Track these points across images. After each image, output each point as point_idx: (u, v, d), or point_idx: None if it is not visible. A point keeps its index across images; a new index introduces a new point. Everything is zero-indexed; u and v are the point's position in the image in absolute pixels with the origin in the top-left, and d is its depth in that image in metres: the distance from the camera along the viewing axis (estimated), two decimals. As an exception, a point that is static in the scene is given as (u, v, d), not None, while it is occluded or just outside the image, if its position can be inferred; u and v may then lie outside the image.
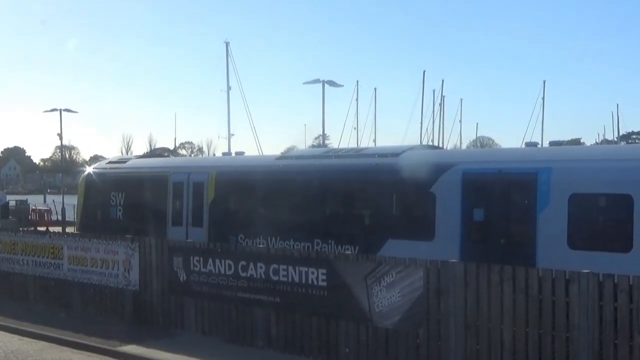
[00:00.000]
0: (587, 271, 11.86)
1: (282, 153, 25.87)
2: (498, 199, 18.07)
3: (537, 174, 17.12)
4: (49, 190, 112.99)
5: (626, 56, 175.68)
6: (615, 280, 11.55)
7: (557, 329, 12.06)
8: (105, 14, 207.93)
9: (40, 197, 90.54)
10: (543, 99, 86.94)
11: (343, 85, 75.97)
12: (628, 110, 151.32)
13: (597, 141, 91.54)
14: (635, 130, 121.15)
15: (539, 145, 25.36)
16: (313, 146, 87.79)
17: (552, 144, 20.78)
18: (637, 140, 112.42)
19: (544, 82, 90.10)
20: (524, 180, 17.36)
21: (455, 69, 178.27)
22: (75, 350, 16.74)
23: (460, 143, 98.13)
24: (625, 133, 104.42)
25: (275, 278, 15.76)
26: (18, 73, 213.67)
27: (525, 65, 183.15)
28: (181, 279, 17.47)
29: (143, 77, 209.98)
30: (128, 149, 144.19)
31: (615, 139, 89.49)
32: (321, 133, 79.16)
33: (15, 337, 18.06)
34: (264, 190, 22.43)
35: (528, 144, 23.07)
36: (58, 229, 37.27)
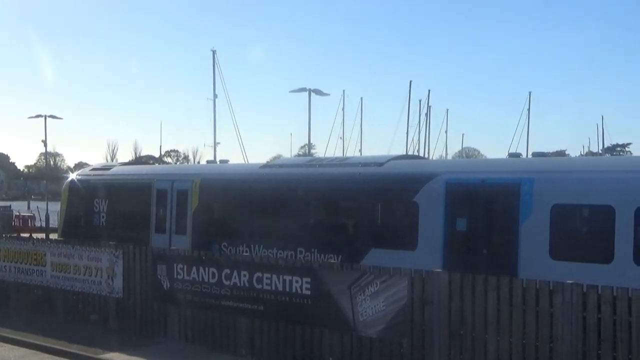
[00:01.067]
0: (571, 282, 11.83)
1: (266, 162, 25.69)
2: (481, 209, 18.04)
3: (519, 185, 17.09)
4: (33, 197, 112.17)
5: (612, 69, 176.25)
6: (599, 292, 11.52)
7: (540, 339, 12.01)
8: (90, 20, 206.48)
9: (24, 204, 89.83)
10: (529, 110, 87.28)
11: (329, 94, 76.15)
12: (613, 123, 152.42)
13: (582, 153, 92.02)
14: (620, 142, 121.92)
15: (523, 156, 25.35)
16: (299, 155, 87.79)
17: (535, 155, 20.77)
18: (621, 153, 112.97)
19: (530, 93, 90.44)
20: (507, 191, 17.31)
21: (441, 79, 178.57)
22: (57, 358, 16.59)
23: (446, 153, 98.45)
24: (610, 145, 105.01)
25: (259, 286, 15.65)
26: (1, 78, 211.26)
27: (511, 76, 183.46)
28: (165, 286, 17.32)
29: (129, 84, 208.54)
30: (113, 156, 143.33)
31: (600, 151, 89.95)
32: (307, 142, 79.03)
33: (-3, 344, 17.88)
34: (248, 198, 22.31)
35: (511, 155, 23.06)
36: (42, 235, 36.97)
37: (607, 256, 15.58)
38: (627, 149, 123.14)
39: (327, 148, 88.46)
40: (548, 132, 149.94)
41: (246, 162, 54.97)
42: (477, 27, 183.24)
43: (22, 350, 17.19)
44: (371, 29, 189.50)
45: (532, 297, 12.12)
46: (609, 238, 15.70)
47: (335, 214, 21.27)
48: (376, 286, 13.88)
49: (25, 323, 19.16)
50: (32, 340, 17.63)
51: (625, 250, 15.39)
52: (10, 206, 65.16)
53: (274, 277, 15.47)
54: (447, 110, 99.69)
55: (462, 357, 12.83)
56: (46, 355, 16.74)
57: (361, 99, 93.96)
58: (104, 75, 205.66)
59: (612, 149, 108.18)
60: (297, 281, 15.11)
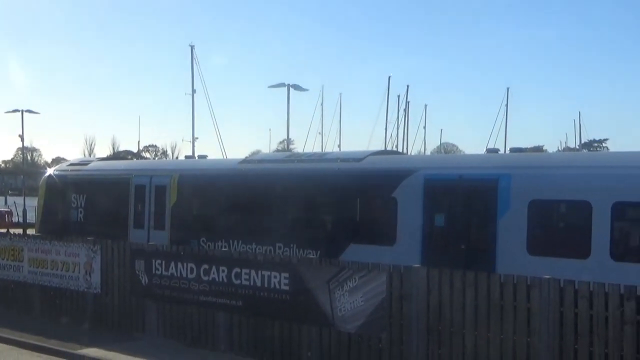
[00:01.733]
0: (548, 277, 11.88)
1: (245, 157, 25.63)
2: (459, 204, 18.06)
3: (497, 180, 17.15)
4: (10, 192, 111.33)
5: (589, 65, 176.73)
6: (576, 287, 11.57)
7: (518, 334, 12.04)
8: (66, 15, 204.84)
9: (1, 199, 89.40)
10: (507, 106, 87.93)
11: (308, 90, 76.35)
12: (590, 119, 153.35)
13: (560, 149, 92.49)
14: (597, 138, 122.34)
15: (500, 152, 25.44)
16: (277, 150, 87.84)
17: (512, 150, 20.80)
18: (598, 148, 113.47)
19: (508, 89, 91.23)
20: (485, 187, 17.37)
21: (420, 75, 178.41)
22: (34, 353, 16.46)
23: (425, 149, 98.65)
24: (587, 141, 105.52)
25: (237, 282, 15.61)
26: None
27: (490, 72, 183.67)
28: (143, 282, 17.24)
29: (106, 78, 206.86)
30: (91, 151, 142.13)
31: (577, 147, 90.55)
32: (286, 137, 79.04)
33: (-26, 340, 17.75)
34: (227, 193, 22.27)
35: (489, 151, 23.16)
36: (19, 230, 36.75)
37: (584, 251, 15.69)
38: (604, 144, 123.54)
39: (306, 143, 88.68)
40: (526, 128, 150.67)
41: (225, 157, 54.90)
42: (455, 22, 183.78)
43: (0, 346, 17.09)
44: (350, 23, 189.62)
45: (510, 293, 12.15)
46: (585, 233, 15.81)
47: (314, 210, 21.20)
48: (355, 281, 13.87)
49: (3, 319, 19.03)
50: (9, 336, 17.50)
51: (602, 246, 15.50)
52: (-13, 201, 64.78)
53: (253, 272, 15.43)
54: (426, 105, 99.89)
55: (441, 351, 12.85)
56: (23, 351, 16.63)
57: (340, 94, 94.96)
58: (81, 69, 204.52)
59: (589, 145, 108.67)
60: (275, 276, 15.08)
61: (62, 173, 28.07)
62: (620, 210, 15.55)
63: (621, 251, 15.48)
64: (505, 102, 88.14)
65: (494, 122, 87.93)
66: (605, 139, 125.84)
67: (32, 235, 25.75)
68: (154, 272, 17.04)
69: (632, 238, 16.08)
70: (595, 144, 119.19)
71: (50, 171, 29.41)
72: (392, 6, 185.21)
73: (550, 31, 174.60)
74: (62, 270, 19.08)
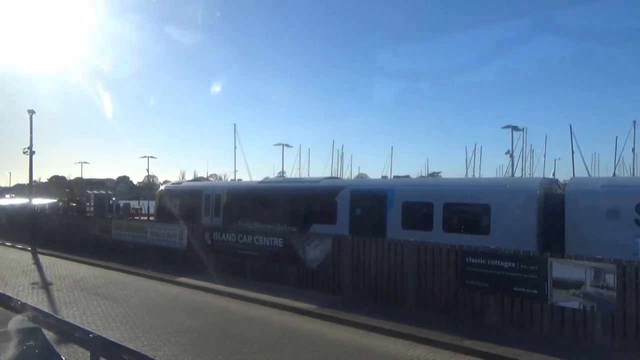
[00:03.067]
0: (412, 240, 11.96)
1: (262, 180, 25.49)
2: (368, 204, 18.04)
3: (387, 192, 17.20)
4: (141, 198, 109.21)
5: (436, 123, 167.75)
6: (425, 245, 11.67)
7: (397, 267, 12.09)
8: (167, 100, 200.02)
9: (136, 201, 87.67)
10: (392, 156, 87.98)
11: (292, 146, 76.08)
12: (433, 161, 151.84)
13: (418, 176, 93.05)
14: (436, 171, 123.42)
15: (388, 177, 25.48)
16: (278, 176, 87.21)
17: (395, 177, 20.94)
18: (436, 176, 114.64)
19: (392, 147, 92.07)
20: (380, 195, 17.41)
21: (351, 132, 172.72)
22: (149, 280, 16.17)
23: (351, 176, 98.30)
24: (431, 172, 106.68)
25: (257, 243, 15.50)
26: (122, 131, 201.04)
27: (382, 136, 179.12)
28: (208, 243, 17.04)
29: (190, 140, 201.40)
30: (182, 177, 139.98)
31: (426, 175, 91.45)
32: (281, 170, 78.69)
33: (114, 273, 17.34)
34: (252, 198, 22.08)
35: (383, 177, 23.21)
36: (145, 218, 36.11)
37: (430, 227, 15.73)
38: (440, 174, 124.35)
39: (292, 173, 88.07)
40: (401, 163, 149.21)
41: (251, 179, 54.51)
42: (357, 100, 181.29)
43: (132, 277, 16.71)
44: (312, 101, 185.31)
45: (393, 248, 12.22)
46: (431, 218, 15.83)
47: (296, 206, 20.99)
48: (316, 242, 13.86)
49: (136, 264, 18.68)
50: (140, 271, 17.19)
51: (438, 224, 15.55)
52: (129, 203, 63.64)
53: (264, 238, 15.34)
54: (352, 155, 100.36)
55: (358, 279, 12.85)
56: (148, 280, 16.30)
57: (309, 149, 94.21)
58: (175, 134, 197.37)
59: (432, 174, 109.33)
60: (276, 240, 15.00)
61: (168, 187, 27.64)
62: (447, 207, 15.66)
63: (447, 227, 15.55)
64: (391, 154, 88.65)
65: (385, 162, 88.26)
66: (440, 172, 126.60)
67: (152, 220, 25.31)
68: (214, 238, 16.86)
69: (452, 220, 16.15)
70: (435, 174, 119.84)
71: (161, 187, 28.97)
72: (334, 95, 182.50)
73: (422, 111, 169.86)
74: (166, 238, 18.80)
